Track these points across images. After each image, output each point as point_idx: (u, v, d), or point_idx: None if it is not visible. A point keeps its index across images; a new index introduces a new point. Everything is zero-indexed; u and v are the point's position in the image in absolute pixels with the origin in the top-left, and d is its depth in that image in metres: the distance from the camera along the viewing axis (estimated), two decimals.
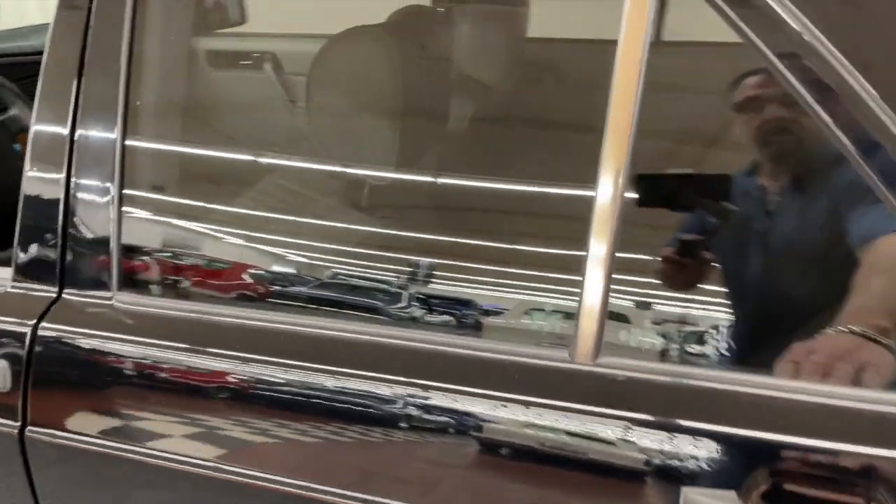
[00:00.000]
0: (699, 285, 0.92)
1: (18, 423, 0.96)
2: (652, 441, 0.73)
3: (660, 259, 0.87)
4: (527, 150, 1.18)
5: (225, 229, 1.10)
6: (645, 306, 0.88)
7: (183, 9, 1.17)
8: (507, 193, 1.10)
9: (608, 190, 0.73)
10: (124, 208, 0.95)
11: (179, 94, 1.18)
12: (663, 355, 0.87)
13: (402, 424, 0.80)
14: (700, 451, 0.71)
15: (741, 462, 0.71)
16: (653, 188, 0.84)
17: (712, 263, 0.89)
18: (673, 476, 0.72)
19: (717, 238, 0.89)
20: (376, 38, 1.15)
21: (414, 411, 0.80)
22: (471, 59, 1.79)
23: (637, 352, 0.84)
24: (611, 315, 0.76)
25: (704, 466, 0.71)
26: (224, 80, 2.36)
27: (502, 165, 1.15)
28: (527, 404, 0.77)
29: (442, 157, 1.32)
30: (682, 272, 0.89)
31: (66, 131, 0.96)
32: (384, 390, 0.81)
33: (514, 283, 0.96)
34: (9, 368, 0.95)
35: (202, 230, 1.10)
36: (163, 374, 0.91)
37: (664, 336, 0.86)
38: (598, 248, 0.74)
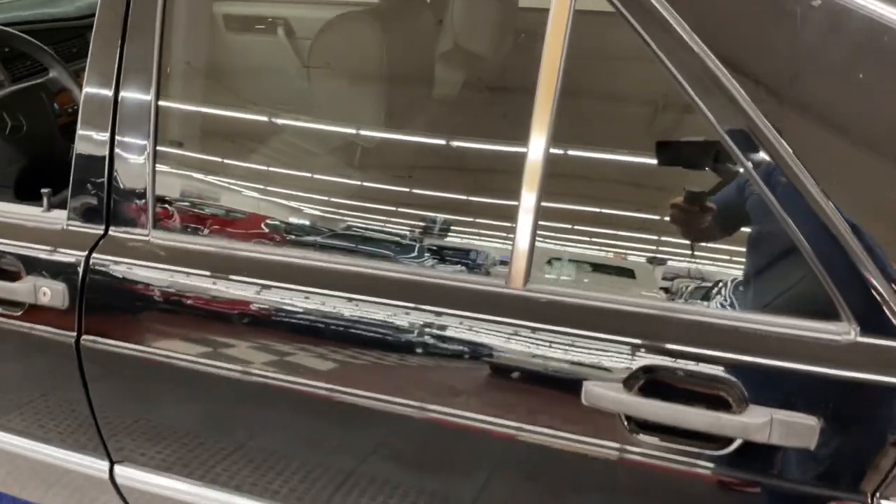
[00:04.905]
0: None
1: (74, 334, 1.21)
2: (564, 347, 0.96)
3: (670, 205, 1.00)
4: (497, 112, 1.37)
5: (239, 180, 1.31)
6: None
7: None
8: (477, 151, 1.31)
9: (539, 146, 0.94)
10: (158, 163, 1.17)
11: (204, 58, 1.37)
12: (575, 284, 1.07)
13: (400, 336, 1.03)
14: (595, 356, 0.94)
15: (626, 360, 0.93)
16: (670, 151, 1.01)
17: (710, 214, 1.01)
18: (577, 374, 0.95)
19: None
20: (363, 21, 1.34)
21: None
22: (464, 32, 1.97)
23: (556, 281, 1.05)
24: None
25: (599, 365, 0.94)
26: (242, 43, 2.56)
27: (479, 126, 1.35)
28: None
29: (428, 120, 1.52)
30: (687, 217, 1.01)
31: (111, 93, 1.18)
32: (372, 309, 1.04)
33: (471, 228, 1.17)
34: (66, 290, 1.19)
35: (223, 182, 1.32)
36: (187, 295, 1.14)
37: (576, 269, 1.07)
38: (528, 199, 0.96)
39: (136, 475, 1.32)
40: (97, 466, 1.35)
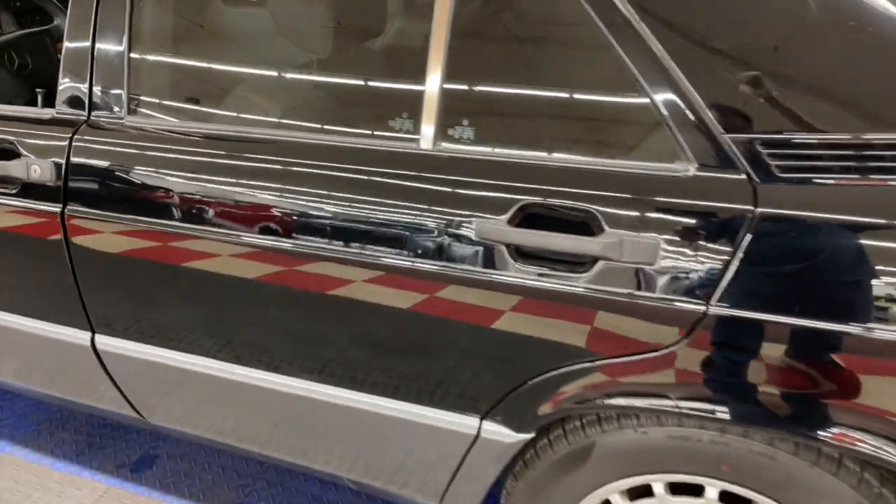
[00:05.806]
0: None
1: (60, 205, 1.40)
2: (464, 193, 1.14)
3: None
4: None
5: (200, 76, 1.51)
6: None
7: None
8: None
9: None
10: (132, 57, 1.38)
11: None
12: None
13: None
14: (485, 199, 1.13)
15: (509, 201, 1.11)
16: None
17: None
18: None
19: None
20: None
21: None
22: None
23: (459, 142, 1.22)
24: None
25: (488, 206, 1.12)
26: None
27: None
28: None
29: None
30: None
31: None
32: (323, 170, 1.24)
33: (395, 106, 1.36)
34: (53, 167, 1.39)
35: (187, 76, 1.52)
36: (150, 166, 1.34)
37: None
38: (434, 82, 1.16)
39: (114, 342, 1.51)
40: (80, 336, 1.54)
